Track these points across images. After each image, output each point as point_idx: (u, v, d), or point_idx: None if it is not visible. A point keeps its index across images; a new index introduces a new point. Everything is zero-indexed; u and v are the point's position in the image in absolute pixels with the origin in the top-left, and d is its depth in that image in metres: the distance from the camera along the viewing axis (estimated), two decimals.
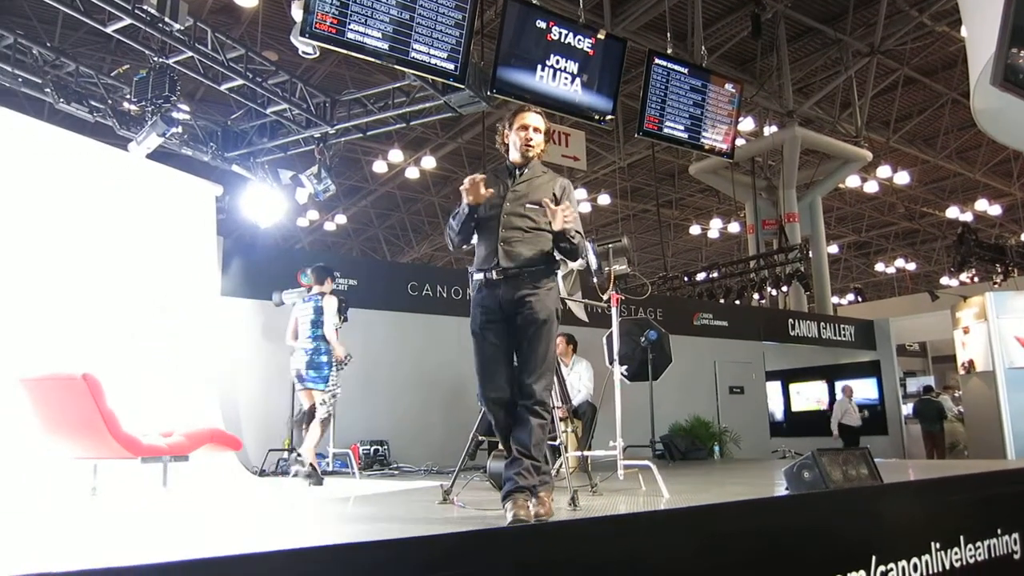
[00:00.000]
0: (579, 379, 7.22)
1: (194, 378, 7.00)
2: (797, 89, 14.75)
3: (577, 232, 3.18)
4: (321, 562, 2.21)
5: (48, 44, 6.84)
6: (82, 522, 3.70)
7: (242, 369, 7.65)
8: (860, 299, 21.85)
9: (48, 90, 6.63)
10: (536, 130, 3.25)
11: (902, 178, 17.06)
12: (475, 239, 3.22)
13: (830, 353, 14.31)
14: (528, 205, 3.15)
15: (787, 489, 3.96)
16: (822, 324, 13.99)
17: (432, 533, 2.73)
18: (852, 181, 17.31)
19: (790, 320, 13.47)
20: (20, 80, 6.47)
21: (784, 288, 14.30)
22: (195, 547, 2.74)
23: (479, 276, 3.13)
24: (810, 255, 15.02)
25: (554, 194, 3.22)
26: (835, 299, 21.72)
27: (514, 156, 3.26)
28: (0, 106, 6.20)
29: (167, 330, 6.86)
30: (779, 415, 15.25)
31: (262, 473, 6.93)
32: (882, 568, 3.18)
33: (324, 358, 6.00)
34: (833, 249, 21.85)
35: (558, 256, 3.21)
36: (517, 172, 3.25)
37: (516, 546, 2.59)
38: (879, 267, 25.94)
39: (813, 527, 3.35)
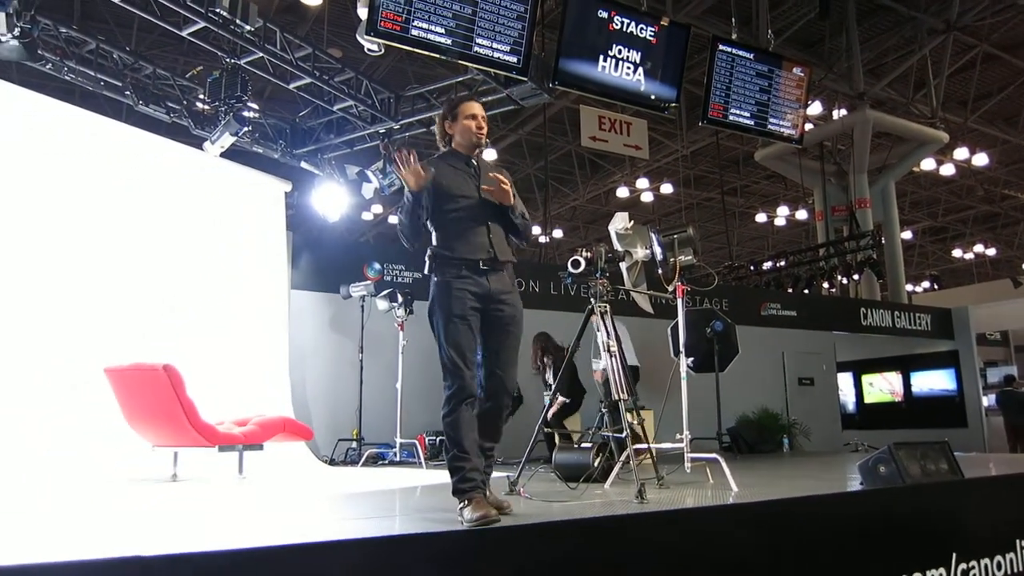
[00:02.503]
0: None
1: (266, 369, 7.22)
2: (868, 70, 14.26)
3: (524, 212, 3.31)
4: (391, 551, 2.27)
5: (127, 48, 7.11)
6: (165, 508, 3.86)
7: (311, 361, 7.85)
8: (936, 287, 21.06)
9: (128, 92, 6.90)
10: (483, 118, 3.31)
11: (981, 160, 16.35)
12: (440, 227, 3.19)
13: (905, 343, 13.84)
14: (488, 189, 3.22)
15: (861, 484, 3.87)
16: (896, 313, 13.53)
17: (502, 525, 2.76)
18: (927, 164, 16.63)
19: (862, 309, 13.07)
20: (102, 83, 6.74)
21: (856, 276, 13.88)
22: (271, 534, 2.83)
23: (465, 261, 3.10)
24: (883, 242, 14.53)
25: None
26: (910, 287, 21.00)
27: (465, 146, 3.29)
28: (83, 108, 6.51)
29: (240, 322, 7.09)
30: (851, 407, 14.85)
31: (332, 462, 7.11)
32: (963, 566, 3.09)
33: None
34: (907, 235, 21.07)
35: (513, 239, 3.28)
36: (473, 162, 3.30)
37: (581, 538, 2.61)
38: (956, 253, 24.90)
39: (890, 523, 3.26)
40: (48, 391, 5.37)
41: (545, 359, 7.35)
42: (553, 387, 6.36)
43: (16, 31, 5.29)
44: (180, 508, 3.84)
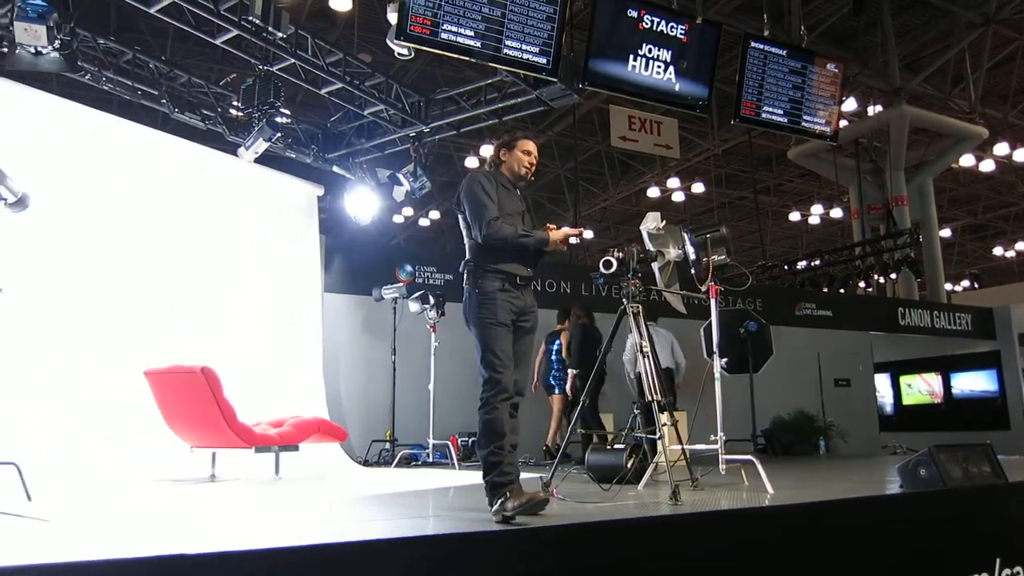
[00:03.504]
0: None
1: (301, 371, 7.31)
2: (904, 65, 14.00)
3: None
4: (426, 551, 2.28)
5: (163, 57, 7.24)
6: (205, 508, 3.92)
7: (344, 363, 7.93)
8: (977, 285, 20.60)
9: (164, 101, 7.02)
10: (536, 157, 3.62)
11: (1022, 155, 15.96)
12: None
13: (944, 343, 13.56)
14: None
15: (901, 487, 3.80)
16: (935, 313, 13.26)
17: (533, 526, 2.76)
18: (966, 160, 16.28)
19: (900, 309, 12.84)
20: (139, 92, 6.88)
21: (893, 275, 13.63)
22: (306, 534, 2.86)
23: (510, 276, 3.38)
24: (921, 240, 14.25)
25: None
26: (949, 286, 20.57)
27: (513, 175, 3.59)
28: (121, 117, 6.65)
29: (275, 325, 7.19)
30: (888, 409, 14.59)
31: (366, 463, 7.17)
32: (1008, 571, 3.03)
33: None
34: (946, 233, 20.63)
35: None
36: (519, 191, 3.62)
37: (615, 540, 2.60)
38: (997, 251, 24.33)
39: (931, 527, 3.21)
40: (89, 393, 5.50)
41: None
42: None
43: (56, 43, 5.41)
44: (219, 508, 3.90)
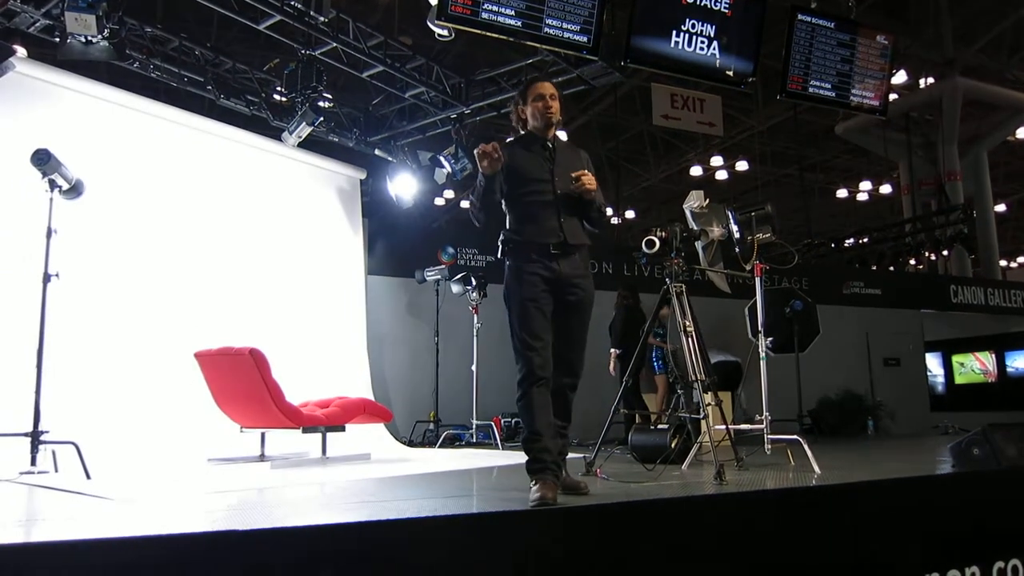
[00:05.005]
0: None
1: (346, 352, 7.42)
2: (957, 36, 13.54)
3: (603, 204, 3.31)
4: (471, 528, 2.31)
5: (208, 44, 7.35)
6: (256, 486, 4.02)
7: (388, 344, 8.02)
8: None
9: (209, 87, 7.14)
10: (552, 97, 3.26)
11: None
12: (512, 210, 3.22)
13: (999, 321, 13.19)
14: (572, 178, 3.18)
15: (953, 467, 3.73)
16: (989, 290, 12.90)
17: (576, 504, 2.78)
18: (1023, 133, 15.74)
19: (952, 286, 12.51)
20: (185, 80, 7.00)
21: (945, 252, 13.28)
22: (354, 512, 2.92)
23: (535, 245, 3.12)
24: (974, 215, 13.84)
25: (586, 168, 3.27)
26: (1004, 262, 19.95)
27: (538, 127, 3.27)
28: (168, 105, 6.78)
29: (320, 307, 7.30)
30: (940, 388, 14.27)
31: (410, 443, 7.26)
32: None
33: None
34: (1001, 208, 19.98)
35: (587, 227, 3.30)
36: (549, 144, 3.28)
37: (659, 519, 2.60)
38: None
39: (984, 507, 3.14)
40: (143, 375, 5.66)
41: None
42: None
43: (105, 32, 5.53)
44: (268, 486, 3.99)
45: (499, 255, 3.23)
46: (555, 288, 3.11)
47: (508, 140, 3.36)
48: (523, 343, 3.04)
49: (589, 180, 3.14)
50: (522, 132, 3.35)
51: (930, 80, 14.32)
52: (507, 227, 3.22)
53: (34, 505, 3.27)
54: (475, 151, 3.08)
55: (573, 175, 3.14)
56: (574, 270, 3.15)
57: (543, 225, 3.13)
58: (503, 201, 3.20)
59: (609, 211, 15.67)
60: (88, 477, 4.04)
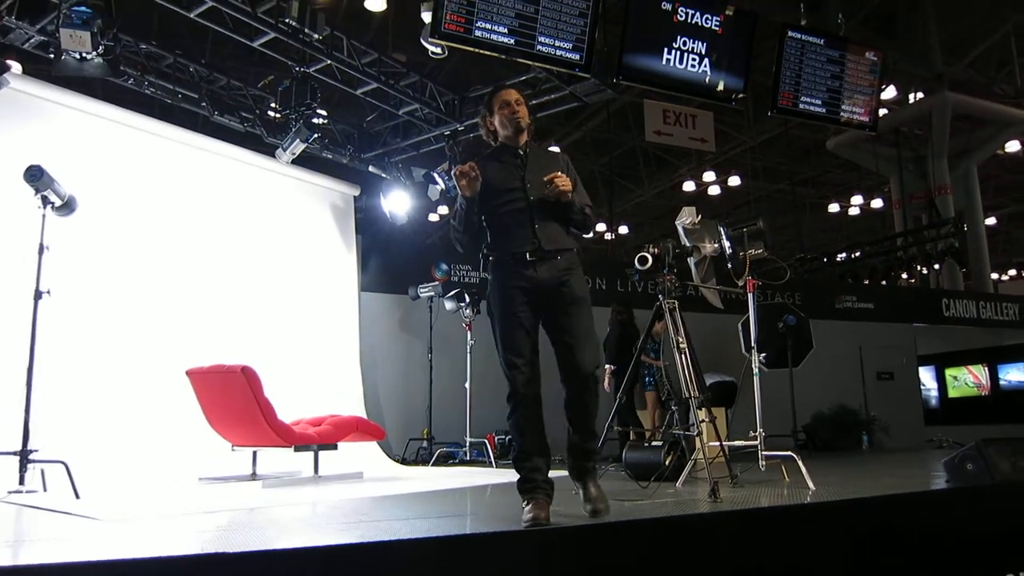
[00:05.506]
0: None
1: (339, 370, 7.39)
2: (946, 51, 13.67)
3: (587, 205, 3.18)
4: (464, 549, 2.29)
5: (202, 61, 7.36)
6: (246, 506, 3.99)
7: (382, 361, 8.00)
8: None
9: (203, 104, 7.15)
10: (518, 102, 3.19)
11: None
12: (489, 224, 3.15)
13: (991, 334, 13.23)
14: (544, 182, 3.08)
15: (947, 482, 3.73)
16: (981, 303, 12.95)
17: (570, 525, 2.76)
18: (1012, 146, 15.87)
19: (944, 300, 12.55)
20: (179, 96, 7.00)
21: (936, 266, 13.34)
22: (347, 533, 2.90)
23: (511, 255, 3.05)
24: (965, 229, 13.92)
25: (563, 170, 3.17)
26: (995, 275, 20.05)
27: (508, 135, 3.19)
28: (162, 121, 6.78)
29: (313, 324, 7.28)
30: (933, 402, 14.29)
31: (404, 461, 7.22)
32: None
33: None
34: (991, 221, 20.11)
35: (573, 231, 3.20)
36: (520, 152, 3.19)
37: (654, 538, 2.59)
38: None
39: (978, 522, 3.14)
40: (134, 392, 5.63)
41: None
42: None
43: (100, 49, 5.54)
44: (259, 506, 3.96)
45: (482, 270, 3.20)
46: (537, 296, 3.03)
47: (483, 154, 3.30)
48: (506, 361, 2.99)
49: (562, 181, 3.02)
50: (494, 144, 3.28)
51: (919, 95, 14.45)
52: (486, 241, 3.17)
53: (22, 526, 3.24)
54: (452, 173, 3.06)
55: (545, 179, 3.03)
56: (555, 273, 3.04)
57: (517, 234, 3.06)
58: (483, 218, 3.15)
59: (602, 227, 15.72)
60: (77, 497, 4.01)
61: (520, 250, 3.03)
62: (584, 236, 3.31)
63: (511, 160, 3.18)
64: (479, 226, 3.15)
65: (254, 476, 5.38)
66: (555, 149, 6.18)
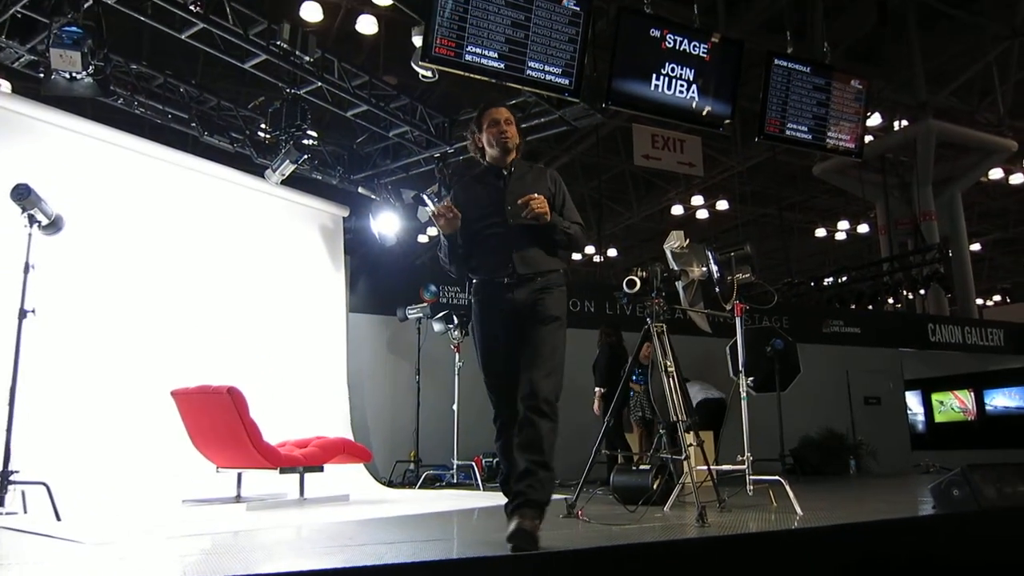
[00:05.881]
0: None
1: (326, 391, 7.34)
2: (930, 79, 13.89)
3: (575, 223, 3.15)
4: (452, 575, 2.27)
5: (192, 81, 7.38)
6: (230, 529, 3.94)
7: (369, 383, 7.96)
8: (1009, 300, 20.21)
9: (193, 124, 7.16)
10: (508, 121, 3.16)
11: None
12: (468, 247, 3.13)
13: (977, 359, 13.32)
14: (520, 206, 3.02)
15: (934, 508, 3.73)
16: (967, 328, 13.05)
17: (558, 549, 2.74)
18: (995, 174, 16.09)
19: (930, 325, 12.64)
20: (169, 116, 7.01)
21: (922, 291, 13.45)
22: (332, 558, 2.87)
23: (488, 281, 3.05)
24: (950, 254, 14.06)
25: (549, 188, 3.15)
26: (980, 301, 20.23)
27: (495, 155, 3.17)
28: (152, 141, 6.77)
29: (300, 345, 7.24)
30: (920, 427, 14.34)
31: (390, 483, 7.17)
32: None
33: None
34: (976, 247, 20.33)
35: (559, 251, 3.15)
36: (504, 172, 3.17)
37: (641, 563, 2.58)
38: None
39: (965, 549, 3.14)
40: (117, 413, 5.57)
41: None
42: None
43: (90, 69, 5.54)
44: (244, 529, 3.92)
45: (467, 293, 3.21)
46: (515, 317, 3.00)
47: (469, 177, 3.30)
48: (486, 383, 3.06)
49: (538, 204, 2.94)
50: (482, 161, 3.26)
51: (904, 122, 14.65)
52: (470, 265, 3.16)
53: (2, 548, 3.19)
54: (430, 213, 3.04)
55: (519, 202, 2.96)
56: (531, 293, 3.01)
57: (495, 259, 3.04)
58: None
59: (591, 250, 15.76)
60: (59, 519, 3.95)
61: (498, 277, 3.03)
62: (574, 254, 3.31)
63: (493, 182, 3.17)
64: (464, 258, 3.16)
65: (239, 498, 5.32)
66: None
